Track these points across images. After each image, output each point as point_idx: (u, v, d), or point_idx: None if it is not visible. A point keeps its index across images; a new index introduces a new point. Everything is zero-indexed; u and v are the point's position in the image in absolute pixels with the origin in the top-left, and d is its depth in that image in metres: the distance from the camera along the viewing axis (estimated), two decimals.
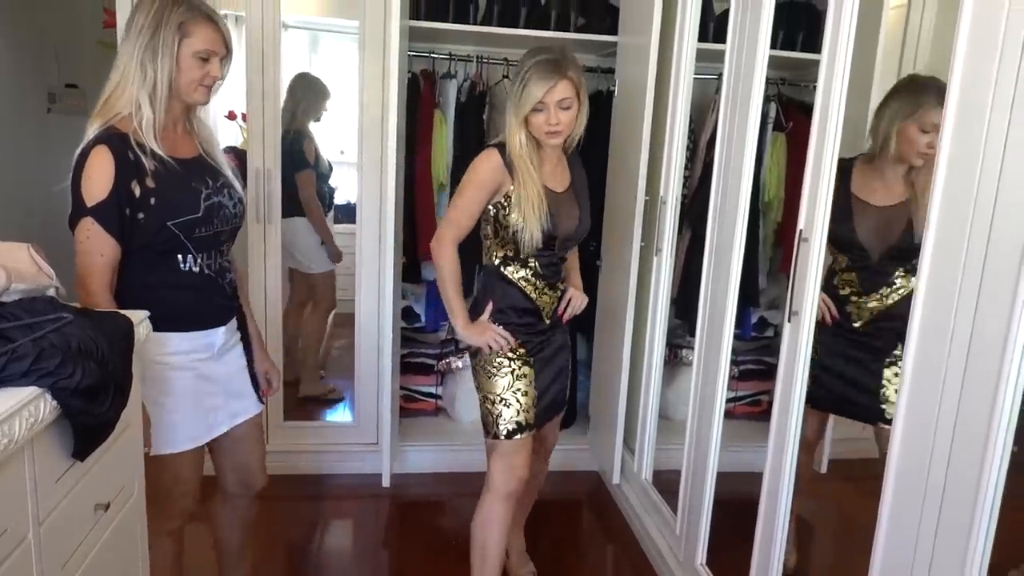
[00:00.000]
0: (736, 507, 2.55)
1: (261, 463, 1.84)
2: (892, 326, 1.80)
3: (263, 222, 2.75)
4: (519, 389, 1.85)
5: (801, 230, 1.57)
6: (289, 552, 2.54)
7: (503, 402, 1.85)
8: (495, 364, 1.86)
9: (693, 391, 2.19)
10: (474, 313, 1.90)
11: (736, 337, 3.32)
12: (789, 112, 2.97)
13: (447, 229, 1.81)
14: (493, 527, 1.87)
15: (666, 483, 2.62)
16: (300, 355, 3.59)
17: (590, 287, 3.05)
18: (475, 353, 1.90)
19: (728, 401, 3.30)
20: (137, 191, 1.44)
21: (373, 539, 2.64)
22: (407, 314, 3.32)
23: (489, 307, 1.87)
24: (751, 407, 3.34)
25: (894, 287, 1.83)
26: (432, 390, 3.33)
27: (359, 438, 2.99)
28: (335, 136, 3.96)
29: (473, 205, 1.80)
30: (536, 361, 1.91)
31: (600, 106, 2.97)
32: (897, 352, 1.81)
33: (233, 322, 1.71)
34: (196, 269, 1.56)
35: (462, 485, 3.01)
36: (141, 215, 1.45)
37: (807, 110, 3.09)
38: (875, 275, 1.86)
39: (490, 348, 1.84)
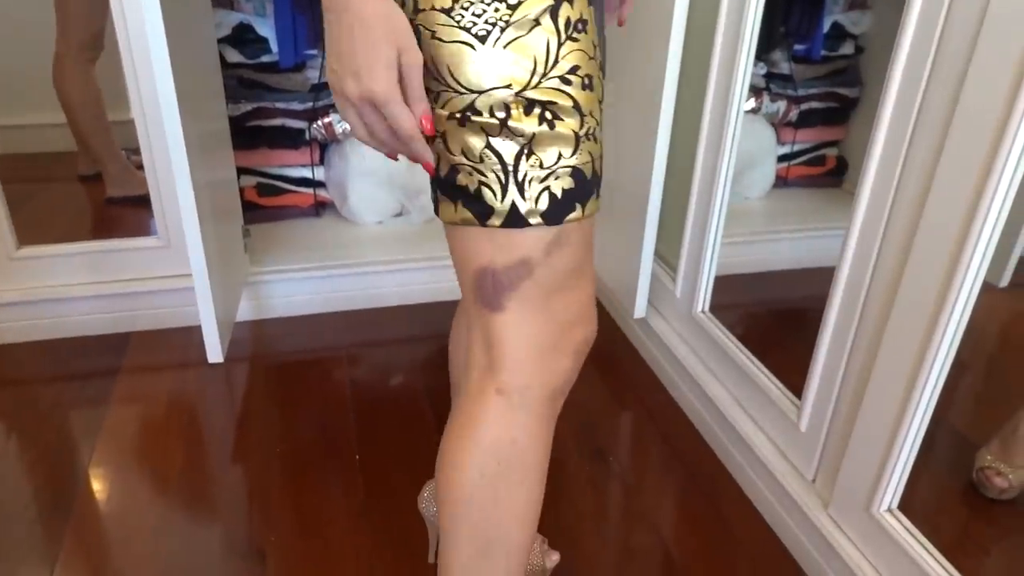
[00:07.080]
0: None
1: None
2: None
3: None
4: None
5: None
6: (43, 482, 1.33)
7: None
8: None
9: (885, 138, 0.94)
10: None
11: (801, 58, 2.10)
12: None
13: None
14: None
15: (728, 315, 1.47)
16: (81, 133, 2.14)
17: None
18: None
19: (781, 159, 2.15)
20: None
21: (212, 446, 1.44)
22: (243, 40, 1.87)
23: None
24: (811, 167, 2.16)
25: None
26: (307, 174, 1.99)
27: (173, 267, 1.69)
28: None
29: None
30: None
31: None
32: None
33: None
34: None
35: (368, 330, 1.81)
36: None
37: None
38: None
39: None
